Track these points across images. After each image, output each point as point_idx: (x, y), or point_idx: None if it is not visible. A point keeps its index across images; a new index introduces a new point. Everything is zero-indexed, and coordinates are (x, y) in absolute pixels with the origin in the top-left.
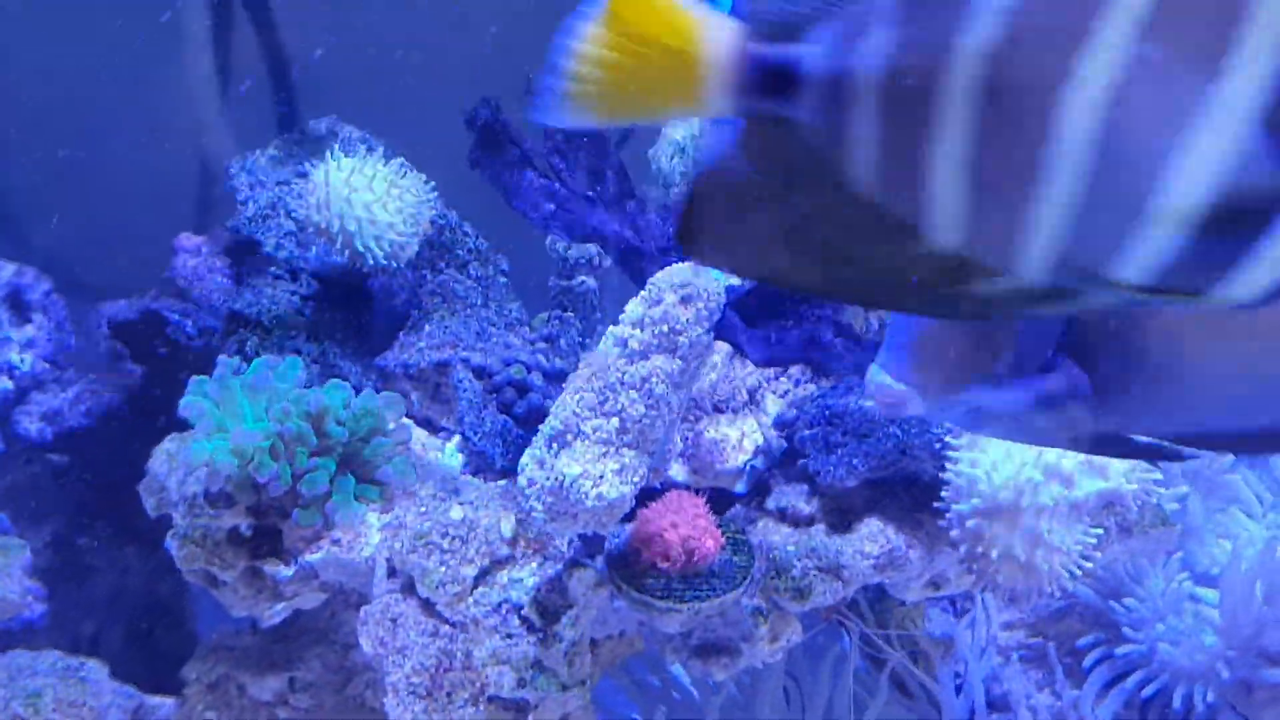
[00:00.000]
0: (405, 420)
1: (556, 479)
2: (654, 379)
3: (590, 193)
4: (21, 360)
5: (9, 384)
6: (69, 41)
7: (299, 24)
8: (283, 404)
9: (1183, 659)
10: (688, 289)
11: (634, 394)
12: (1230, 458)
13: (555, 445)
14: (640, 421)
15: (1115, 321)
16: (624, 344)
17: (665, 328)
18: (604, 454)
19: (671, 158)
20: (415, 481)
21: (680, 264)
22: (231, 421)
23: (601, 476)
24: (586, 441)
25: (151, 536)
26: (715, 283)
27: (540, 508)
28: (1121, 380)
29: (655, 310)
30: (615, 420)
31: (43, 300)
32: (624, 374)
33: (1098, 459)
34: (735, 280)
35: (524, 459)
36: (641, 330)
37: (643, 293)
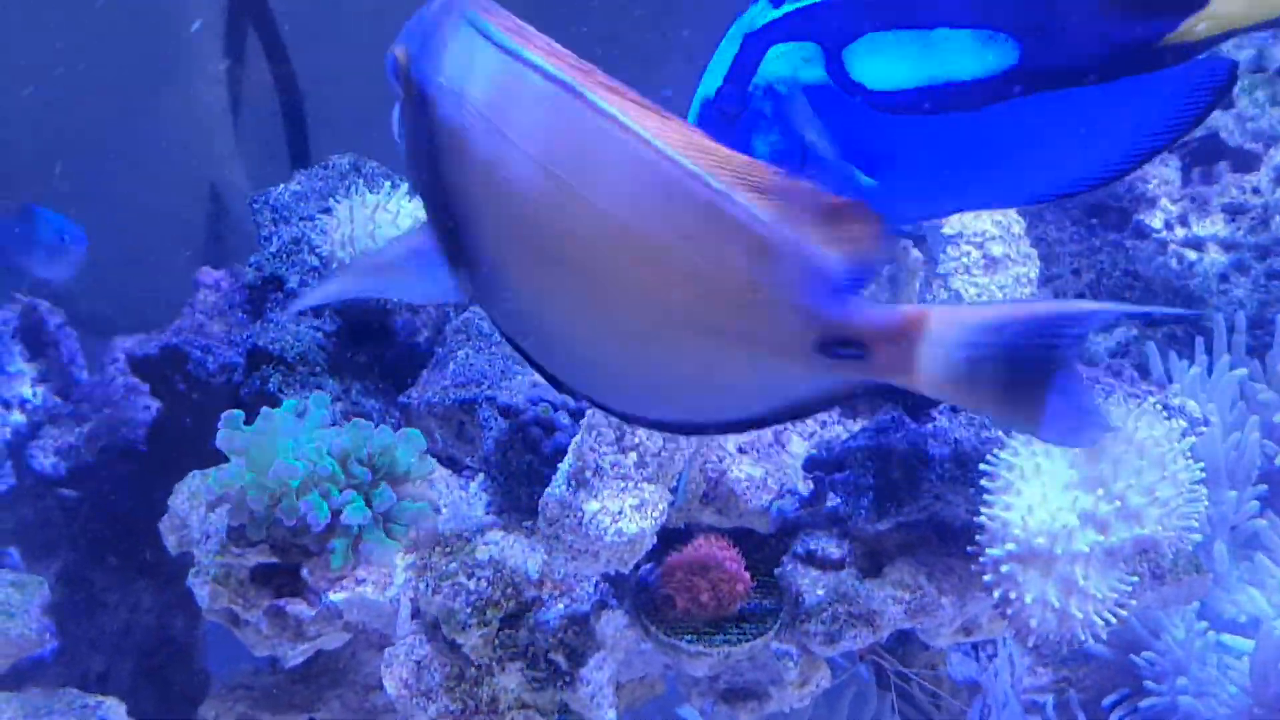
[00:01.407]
0: (429, 459)
1: (576, 516)
2: None
3: None
4: (34, 394)
5: (21, 418)
6: (83, 72)
7: (313, 55)
8: (314, 443)
9: (1208, 712)
10: None
11: None
12: (1255, 503)
13: (574, 483)
14: (659, 455)
15: None
16: None
17: None
18: (623, 489)
19: None
20: (435, 524)
21: None
22: (266, 460)
23: (621, 512)
24: (605, 477)
25: (163, 572)
26: None
27: (562, 546)
28: None
29: None
30: (633, 454)
31: (55, 334)
32: None
33: (1134, 504)
34: None
35: (544, 498)
36: None
37: None
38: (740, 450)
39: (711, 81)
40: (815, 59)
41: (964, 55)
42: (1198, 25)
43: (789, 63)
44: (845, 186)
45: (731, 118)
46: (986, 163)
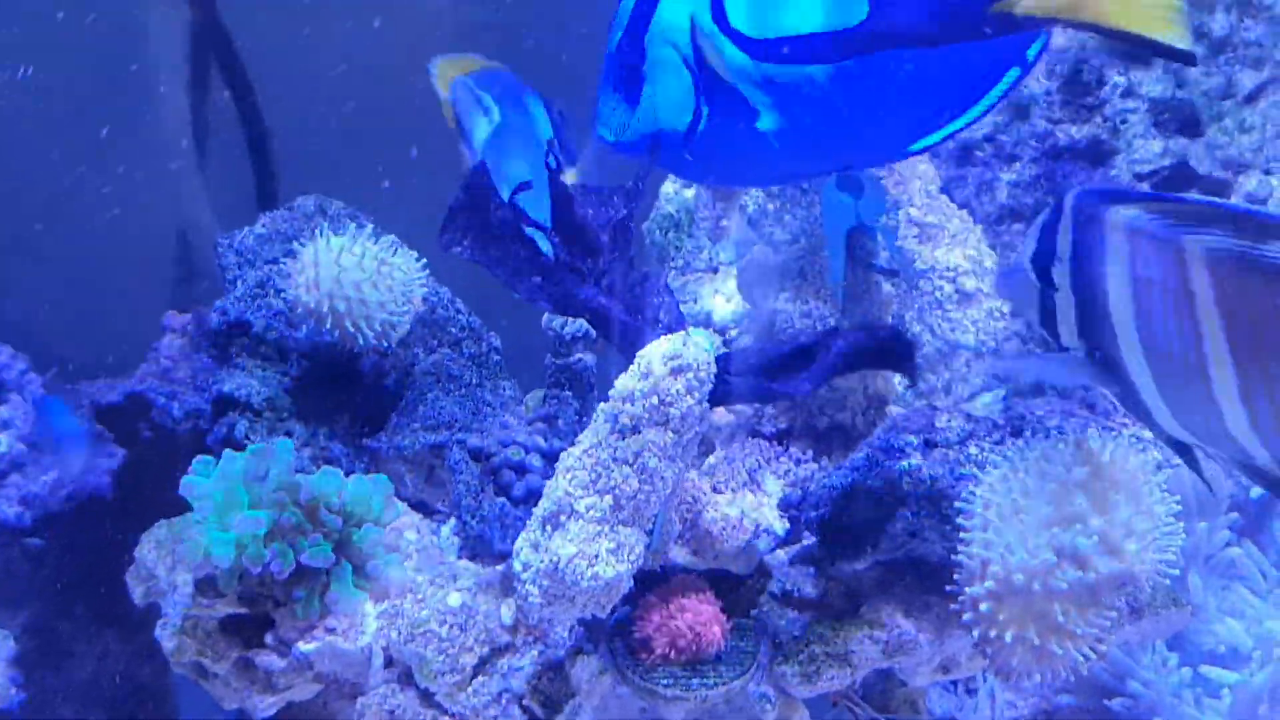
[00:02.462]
0: (396, 503)
1: (551, 561)
2: (647, 453)
3: (583, 265)
4: None
5: None
6: (44, 112)
7: (278, 96)
8: (279, 492)
9: None
10: (678, 360)
11: (627, 469)
12: (1227, 533)
13: (549, 526)
14: (635, 498)
15: None
16: (615, 419)
17: (656, 400)
18: (599, 533)
19: (666, 231)
20: (402, 578)
21: (670, 335)
22: (231, 510)
23: (597, 556)
24: (580, 521)
25: (131, 621)
26: (705, 353)
27: (536, 592)
28: None
29: (645, 383)
30: (609, 498)
31: (18, 380)
32: (616, 449)
33: (1111, 539)
34: (726, 349)
35: (518, 542)
36: (632, 404)
37: (632, 366)
38: (716, 490)
39: (613, 37)
40: (702, 7)
41: (818, 10)
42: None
43: (681, 10)
44: (748, 119)
45: (634, 68)
46: (845, 118)
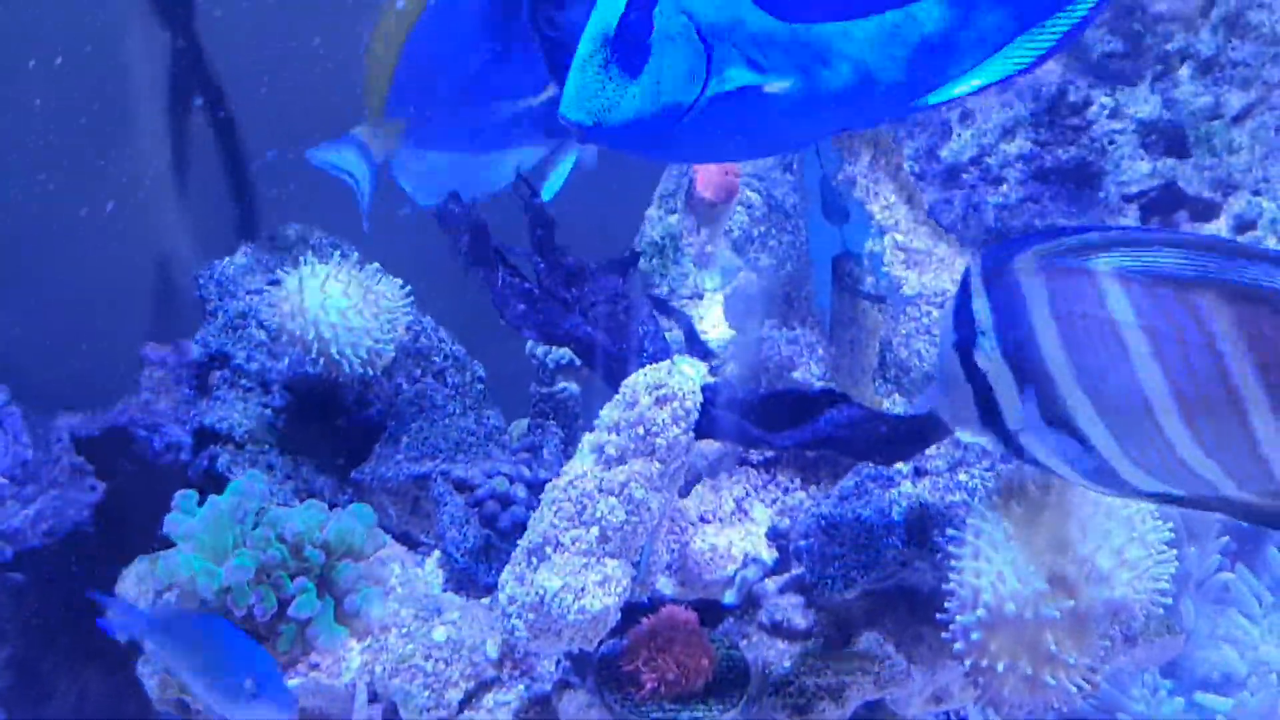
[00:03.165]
0: (379, 533)
1: (537, 594)
2: (633, 484)
3: (567, 293)
4: None
5: None
6: (21, 141)
7: (260, 123)
8: (263, 531)
9: None
10: (663, 389)
11: (613, 500)
12: (1218, 557)
13: (534, 559)
14: (621, 529)
15: None
16: (600, 450)
17: (641, 430)
18: (585, 565)
19: (650, 257)
20: (384, 614)
21: (656, 364)
22: (216, 553)
23: (583, 589)
24: (566, 553)
25: (114, 657)
26: (691, 382)
27: (522, 626)
28: None
29: (630, 413)
30: (595, 529)
31: None
32: (601, 480)
33: (1104, 567)
34: (712, 379)
35: (503, 575)
36: (617, 434)
37: (617, 396)
38: (703, 520)
39: (608, 17)
40: None
41: None
42: None
43: None
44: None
45: (636, 42)
46: (875, 73)
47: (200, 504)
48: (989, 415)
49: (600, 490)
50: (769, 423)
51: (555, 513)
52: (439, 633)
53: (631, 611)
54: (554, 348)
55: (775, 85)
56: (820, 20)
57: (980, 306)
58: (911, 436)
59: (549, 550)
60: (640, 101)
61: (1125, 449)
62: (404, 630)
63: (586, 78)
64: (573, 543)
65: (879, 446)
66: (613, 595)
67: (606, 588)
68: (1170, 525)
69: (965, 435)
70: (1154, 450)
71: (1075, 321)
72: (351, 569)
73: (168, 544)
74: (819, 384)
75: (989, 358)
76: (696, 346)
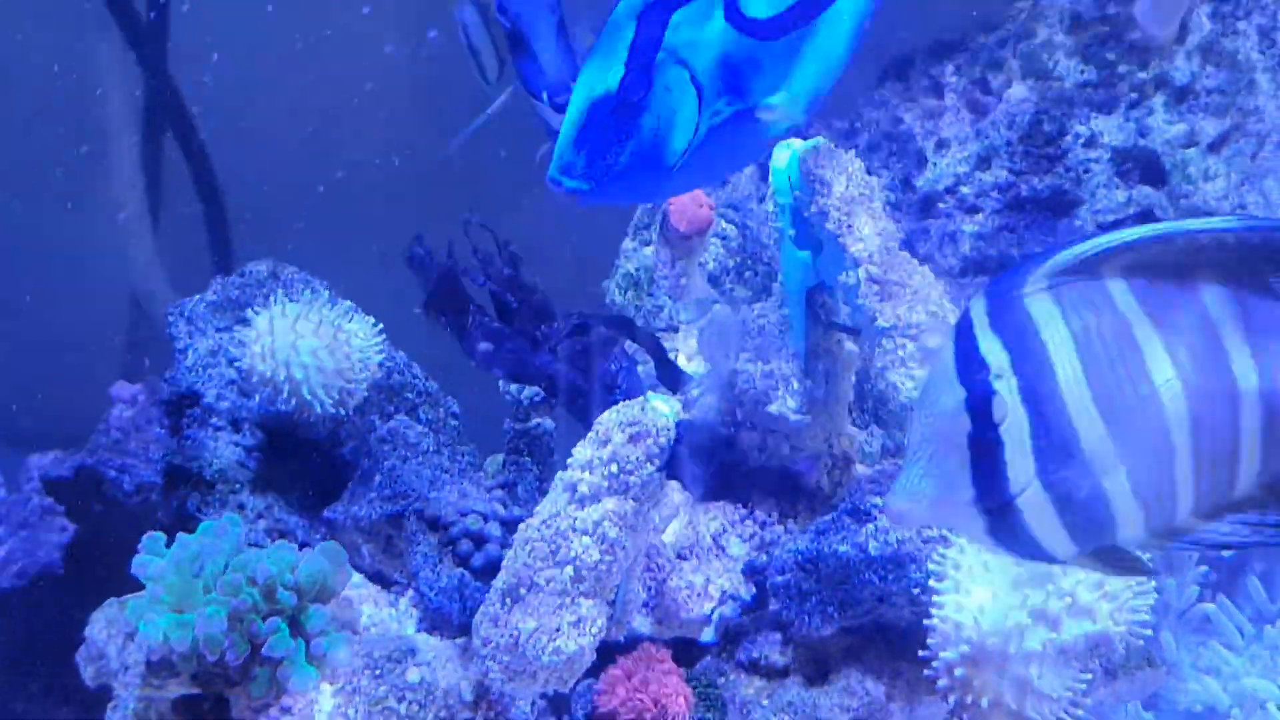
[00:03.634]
0: (349, 570)
1: (512, 635)
2: (607, 523)
3: (536, 330)
4: None
5: None
6: None
7: (232, 159)
8: (234, 576)
9: None
10: (636, 427)
11: (587, 540)
12: (1196, 589)
13: (508, 600)
14: (596, 568)
15: None
16: (573, 489)
17: (615, 468)
18: (560, 606)
19: (625, 290)
20: (349, 659)
21: (627, 401)
22: (186, 597)
23: (558, 630)
24: (540, 594)
25: (85, 698)
26: (665, 418)
27: (497, 667)
28: None
29: (603, 451)
30: (569, 569)
31: None
32: (575, 520)
33: (1084, 600)
34: (686, 415)
35: (478, 616)
36: (590, 473)
37: (590, 434)
38: (680, 556)
39: (603, 82)
40: (712, 6)
41: None
42: None
43: (693, 23)
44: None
45: (638, 105)
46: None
47: (170, 544)
48: (985, 484)
49: (574, 529)
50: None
51: (529, 553)
52: (412, 674)
53: (608, 651)
54: (528, 386)
55: (766, 111)
56: (788, 31)
57: (990, 348)
58: None
59: (523, 591)
60: (641, 158)
61: (1132, 467)
62: (377, 672)
63: (585, 143)
64: (547, 583)
65: None
66: (588, 636)
67: (581, 628)
68: (1148, 555)
69: (933, 521)
70: (1157, 464)
71: (1090, 331)
72: (316, 615)
73: (138, 586)
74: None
75: (1006, 403)
76: (667, 372)
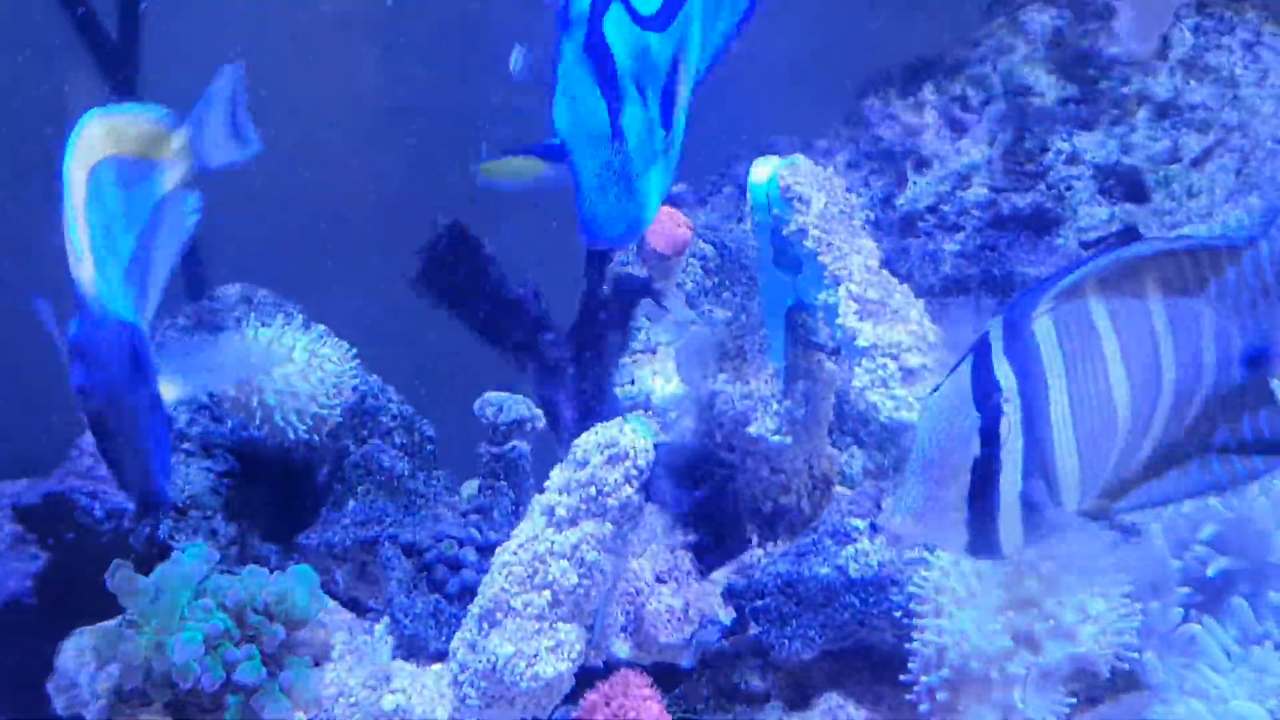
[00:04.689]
0: (322, 595)
1: (489, 661)
2: (585, 546)
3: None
4: None
5: None
6: None
7: (205, 183)
8: (204, 602)
9: None
10: (614, 449)
11: (565, 563)
12: (1181, 610)
13: (485, 625)
14: (574, 592)
15: None
16: (551, 512)
17: (593, 490)
18: (538, 630)
19: None
20: (315, 692)
21: (606, 423)
22: (160, 617)
23: (536, 655)
24: (518, 618)
25: None
26: (644, 440)
27: (474, 694)
28: None
29: (581, 474)
30: (547, 593)
31: None
32: (553, 543)
33: (1067, 622)
34: (664, 437)
35: (454, 642)
36: (568, 495)
37: (568, 456)
38: (659, 580)
39: (593, 128)
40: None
41: None
42: None
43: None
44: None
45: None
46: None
47: (142, 571)
48: (980, 504)
49: (552, 553)
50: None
51: (506, 577)
52: (388, 701)
53: (587, 676)
54: (504, 408)
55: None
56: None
57: (1004, 373)
58: None
59: (500, 616)
60: (659, 184)
61: (1088, 473)
62: (352, 700)
63: (609, 192)
64: (525, 607)
65: None
66: (566, 661)
67: (560, 653)
68: (1129, 577)
69: (929, 538)
70: (1105, 460)
71: (1076, 354)
72: (297, 631)
73: (110, 614)
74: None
75: (1010, 424)
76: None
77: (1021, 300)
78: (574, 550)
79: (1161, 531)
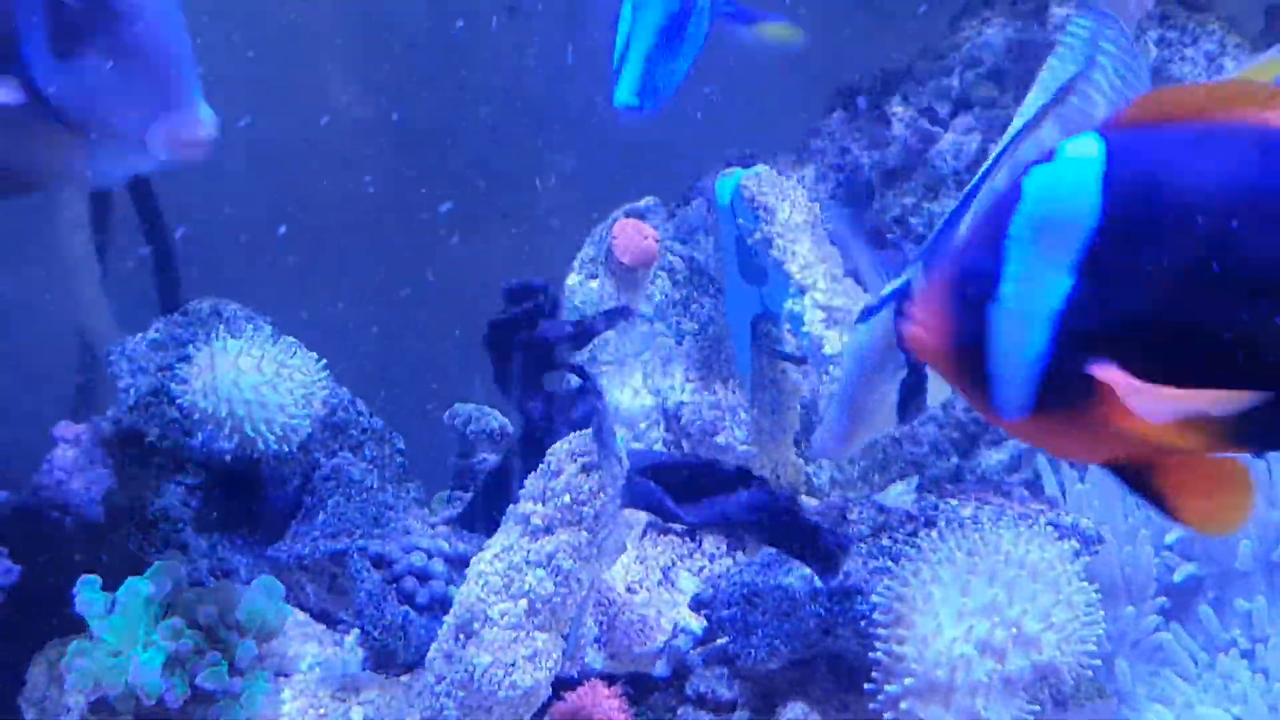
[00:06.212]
0: (286, 607)
1: (467, 671)
2: (560, 554)
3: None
4: None
5: None
6: None
7: (179, 198)
8: (175, 620)
9: None
10: (589, 457)
11: (541, 572)
12: (1155, 617)
13: (462, 635)
14: (550, 601)
15: None
16: (526, 520)
17: (568, 499)
18: (514, 640)
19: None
20: (272, 713)
21: (580, 433)
22: (128, 640)
23: (514, 664)
24: (495, 628)
25: None
26: (619, 448)
27: (452, 704)
28: None
29: (556, 482)
30: (523, 602)
31: None
32: (528, 552)
33: (1030, 630)
34: (639, 445)
35: (431, 652)
36: (543, 504)
37: (542, 465)
38: (630, 590)
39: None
40: None
41: None
42: None
43: None
44: None
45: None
46: None
47: (111, 588)
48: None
49: (527, 562)
50: (683, 494)
51: (482, 586)
52: (356, 713)
53: (560, 686)
54: (472, 419)
55: None
56: None
57: None
58: (809, 532)
59: (477, 625)
60: (684, 66)
61: None
62: (321, 711)
63: (649, 66)
64: (501, 616)
65: (782, 534)
66: (544, 670)
67: (537, 662)
68: (1095, 586)
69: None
70: None
71: None
72: (268, 643)
73: (82, 627)
74: (735, 463)
75: None
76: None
77: (935, 243)
78: (549, 559)
79: (1148, 538)
